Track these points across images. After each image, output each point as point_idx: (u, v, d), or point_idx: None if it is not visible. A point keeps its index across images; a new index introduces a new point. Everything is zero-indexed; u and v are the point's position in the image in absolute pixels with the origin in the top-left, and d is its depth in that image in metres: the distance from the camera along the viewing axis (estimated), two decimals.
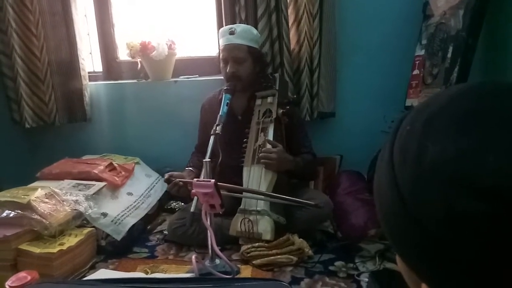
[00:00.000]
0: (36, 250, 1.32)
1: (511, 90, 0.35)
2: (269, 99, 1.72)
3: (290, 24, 1.97)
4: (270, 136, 1.64)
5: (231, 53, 1.70)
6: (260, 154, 1.59)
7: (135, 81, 2.25)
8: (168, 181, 1.59)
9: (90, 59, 2.35)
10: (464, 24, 1.58)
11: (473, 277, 0.31)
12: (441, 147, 0.32)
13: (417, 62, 1.84)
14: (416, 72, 1.84)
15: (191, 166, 1.81)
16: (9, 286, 1.08)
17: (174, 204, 2.00)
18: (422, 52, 1.82)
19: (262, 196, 1.55)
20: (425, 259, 0.34)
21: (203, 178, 1.36)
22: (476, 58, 1.58)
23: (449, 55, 1.64)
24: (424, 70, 1.79)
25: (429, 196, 0.32)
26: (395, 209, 0.35)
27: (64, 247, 1.35)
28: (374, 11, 1.99)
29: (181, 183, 1.56)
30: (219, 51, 1.78)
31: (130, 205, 1.75)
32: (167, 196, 2.01)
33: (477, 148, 0.31)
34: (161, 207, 1.98)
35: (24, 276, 1.11)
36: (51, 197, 1.47)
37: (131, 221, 1.67)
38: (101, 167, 1.81)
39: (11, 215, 1.35)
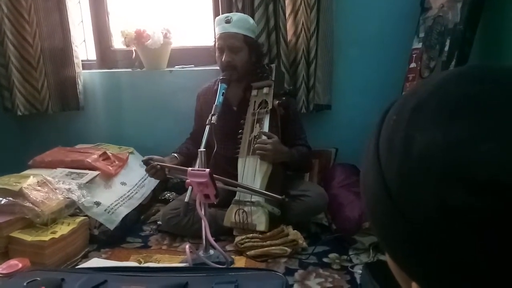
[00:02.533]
0: (28, 238, 1.30)
1: (505, 73, 0.33)
2: (265, 90, 1.71)
3: (287, 15, 1.95)
4: (266, 127, 1.63)
5: (226, 41, 1.68)
6: (256, 145, 1.58)
7: (129, 70, 2.22)
8: (146, 163, 1.58)
9: (83, 47, 2.32)
10: (461, 17, 1.57)
11: (467, 277, 0.30)
12: (429, 136, 0.30)
13: (414, 55, 1.84)
14: (413, 65, 1.84)
15: (177, 152, 1.80)
16: (0, 273, 1.07)
17: (168, 195, 1.99)
18: (420, 45, 1.81)
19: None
20: (415, 257, 0.32)
21: (198, 167, 1.35)
22: (474, 52, 1.58)
23: (446, 48, 1.63)
24: (421, 63, 1.78)
25: (418, 191, 0.30)
26: (382, 204, 0.33)
27: (56, 235, 1.34)
28: (372, 3, 1.97)
29: (158, 166, 1.56)
30: (215, 40, 1.76)
31: (124, 195, 1.74)
32: (161, 187, 2.00)
33: (469, 137, 0.28)
34: (155, 198, 1.97)
35: (15, 263, 1.11)
36: (43, 185, 1.46)
37: (125, 210, 1.66)
38: (95, 156, 1.79)
39: (3, 202, 1.33)
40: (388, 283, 1.05)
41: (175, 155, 1.77)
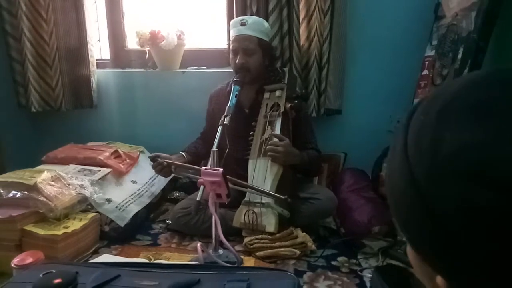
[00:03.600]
0: (41, 231, 1.32)
1: None
2: (277, 93, 1.72)
3: (301, 19, 1.96)
4: (277, 130, 1.64)
5: (241, 44, 1.70)
6: (267, 147, 1.59)
7: (143, 70, 2.25)
8: (153, 159, 1.61)
9: (98, 46, 2.35)
10: (475, 26, 1.58)
11: (487, 271, 0.31)
12: (457, 137, 0.31)
13: (426, 62, 1.84)
14: (425, 72, 1.84)
15: (185, 151, 1.82)
16: (15, 265, 1.09)
17: (177, 194, 2.01)
18: (432, 53, 1.82)
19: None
20: (439, 251, 0.33)
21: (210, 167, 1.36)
22: (487, 60, 1.59)
23: (459, 56, 1.64)
24: (433, 71, 1.79)
25: (445, 188, 0.31)
26: (409, 200, 0.35)
27: (69, 230, 1.35)
28: (386, 10, 1.98)
29: (165, 163, 1.58)
30: (229, 42, 1.78)
31: (134, 193, 1.75)
32: (170, 186, 2.02)
33: (494, 138, 0.30)
34: (164, 197, 1.98)
35: (30, 256, 1.12)
36: (57, 180, 1.48)
37: (135, 208, 1.67)
38: (107, 154, 1.81)
39: (18, 195, 1.35)
40: (398, 287, 1.06)
41: (183, 153, 1.79)
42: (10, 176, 1.44)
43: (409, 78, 1.94)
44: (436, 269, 0.36)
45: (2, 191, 1.35)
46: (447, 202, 0.31)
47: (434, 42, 1.82)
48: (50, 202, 1.37)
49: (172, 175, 1.70)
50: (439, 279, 0.35)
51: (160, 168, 1.60)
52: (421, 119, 0.36)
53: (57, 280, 0.90)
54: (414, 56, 1.93)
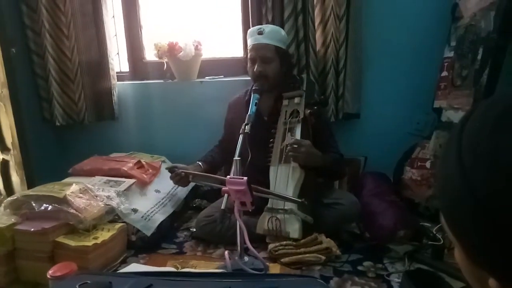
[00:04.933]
0: (72, 243, 1.35)
1: None
2: (296, 100, 1.73)
3: (316, 25, 1.98)
4: (298, 136, 1.64)
5: (258, 52, 1.72)
6: (288, 147, 1.59)
7: (161, 81, 2.29)
8: (171, 170, 1.67)
9: (117, 59, 2.40)
10: (495, 26, 1.57)
11: None
12: None
13: (446, 63, 1.83)
14: (444, 73, 1.83)
15: (202, 160, 1.85)
16: (51, 276, 1.12)
17: (199, 202, 2.03)
18: (451, 54, 1.81)
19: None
20: (499, 256, 0.34)
21: (233, 175, 1.37)
22: (507, 60, 1.58)
23: (479, 57, 1.63)
24: (453, 72, 1.78)
25: (505, 196, 0.32)
26: (466, 208, 0.35)
27: (98, 241, 1.39)
28: (402, 13, 1.98)
29: (182, 173, 1.64)
30: (247, 51, 1.80)
31: (158, 202, 1.78)
32: (192, 194, 2.04)
33: None
34: (186, 205, 2.01)
35: (64, 267, 1.15)
36: (85, 192, 1.51)
37: (160, 217, 1.70)
38: (130, 165, 1.84)
39: (49, 208, 1.39)
40: None
41: (199, 163, 1.83)
42: (41, 190, 1.48)
43: (428, 80, 1.94)
44: (492, 272, 0.36)
45: (34, 204, 1.39)
46: (507, 209, 0.32)
47: (453, 43, 1.81)
48: (79, 214, 1.41)
49: (190, 183, 1.75)
50: (491, 282, 0.36)
51: (178, 178, 1.66)
52: (477, 125, 0.36)
53: None
54: (432, 57, 1.92)
